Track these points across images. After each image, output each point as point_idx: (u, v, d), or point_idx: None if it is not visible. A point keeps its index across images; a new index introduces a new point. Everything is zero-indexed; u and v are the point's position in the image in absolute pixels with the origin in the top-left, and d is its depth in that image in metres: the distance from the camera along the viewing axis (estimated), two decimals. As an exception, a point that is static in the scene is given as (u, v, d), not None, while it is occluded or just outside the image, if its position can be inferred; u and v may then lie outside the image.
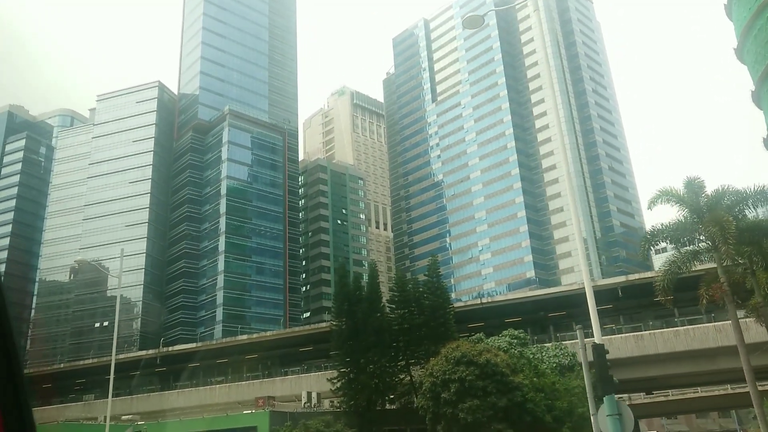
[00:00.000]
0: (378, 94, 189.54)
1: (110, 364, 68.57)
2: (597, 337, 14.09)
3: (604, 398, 13.05)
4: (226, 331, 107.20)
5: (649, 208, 25.84)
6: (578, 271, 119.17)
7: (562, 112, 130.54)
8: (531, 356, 42.29)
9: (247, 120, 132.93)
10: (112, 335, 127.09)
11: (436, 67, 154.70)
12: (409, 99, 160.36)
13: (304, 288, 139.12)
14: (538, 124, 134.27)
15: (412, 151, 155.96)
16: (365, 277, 49.94)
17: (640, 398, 65.11)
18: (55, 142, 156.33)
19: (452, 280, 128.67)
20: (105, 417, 42.49)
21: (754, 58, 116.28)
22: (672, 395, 67.86)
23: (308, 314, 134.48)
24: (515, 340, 44.34)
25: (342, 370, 43.90)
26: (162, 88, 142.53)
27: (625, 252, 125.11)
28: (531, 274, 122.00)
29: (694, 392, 69.72)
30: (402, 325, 45.03)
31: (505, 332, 45.67)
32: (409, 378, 44.48)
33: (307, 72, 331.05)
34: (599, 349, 13.42)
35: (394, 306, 46.51)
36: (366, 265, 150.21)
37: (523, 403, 35.86)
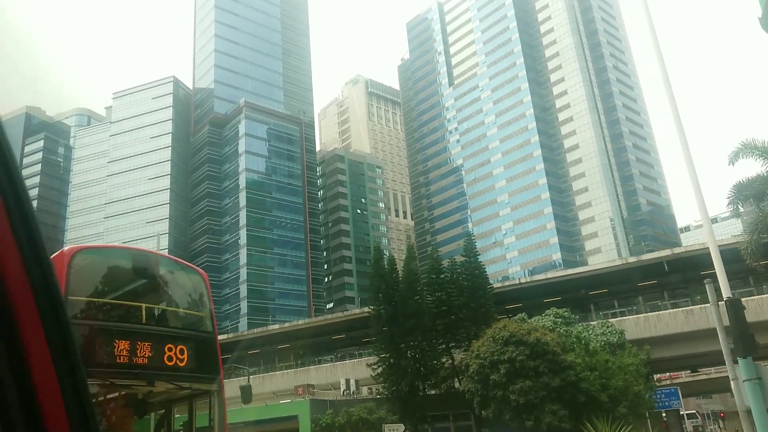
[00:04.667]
0: (393, 81, 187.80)
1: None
2: (726, 291, 12.50)
3: (740, 361, 11.50)
4: (251, 324, 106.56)
5: (731, 163, 24.04)
6: (605, 252, 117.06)
7: (583, 90, 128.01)
8: (578, 335, 40.69)
9: (263, 112, 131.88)
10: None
11: (452, 50, 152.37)
12: (425, 84, 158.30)
13: (326, 279, 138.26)
14: (559, 103, 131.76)
15: (430, 137, 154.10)
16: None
17: (681, 377, 63.49)
18: (72, 141, 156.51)
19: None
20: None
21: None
22: (714, 373, 66.05)
23: (332, 305, 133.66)
24: (560, 319, 42.78)
25: (382, 355, 42.66)
26: (177, 83, 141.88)
27: (652, 230, 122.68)
28: (557, 256, 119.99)
29: (737, 369, 67.73)
30: (440, 307, 43.63)
31: (548, 311, 44.12)
32: (450, 361, 43.13)
33: (321, 62, 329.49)
34: (736, 305, 11.84)
35: (430, 289, 45.11)
36: (387, 253, 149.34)
37: (577, 382, 34.35)
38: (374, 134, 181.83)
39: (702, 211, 14.05)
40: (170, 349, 9.49)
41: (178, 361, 9.52)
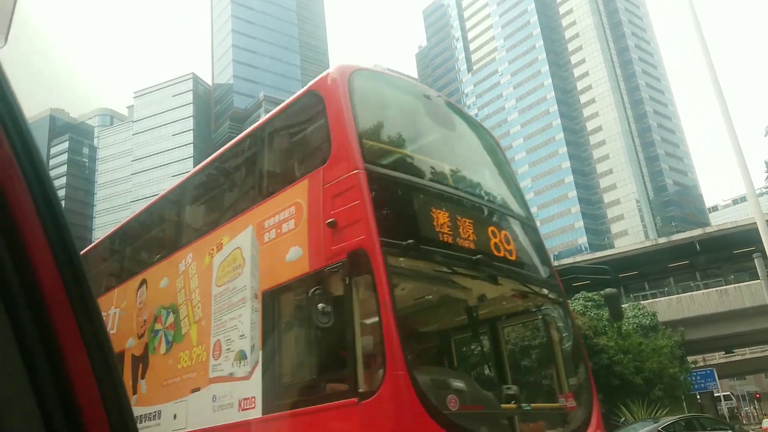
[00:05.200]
0: (412, 70, 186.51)
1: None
2: None
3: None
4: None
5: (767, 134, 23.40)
6: (632, 234, 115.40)
7: (605, 71, 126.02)
8: (607, 319, 40.15)
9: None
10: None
11: (470, 35, 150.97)
12: (444, 71, 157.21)
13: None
14: (580, 85, 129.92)
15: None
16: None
17: (714, 358, 62.46)
18: (96, 141, 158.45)
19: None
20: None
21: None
22: (749, 353, 64.91)
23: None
24: (590, 303, 42.20)
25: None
26: (196, 79, 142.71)
27: (680, 211, 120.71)
28: (583, 240, 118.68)
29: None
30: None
31: (577, 295, 43.52)
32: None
33: (338, 53, 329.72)
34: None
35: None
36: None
37: (610, 365, 33.86)
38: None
39: (747, 184, 13.63)
40: (494, 234, 6.47)
41: (507, 254, 6.49)
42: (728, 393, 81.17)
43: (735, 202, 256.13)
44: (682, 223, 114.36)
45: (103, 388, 1.01)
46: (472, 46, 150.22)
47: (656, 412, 33.16)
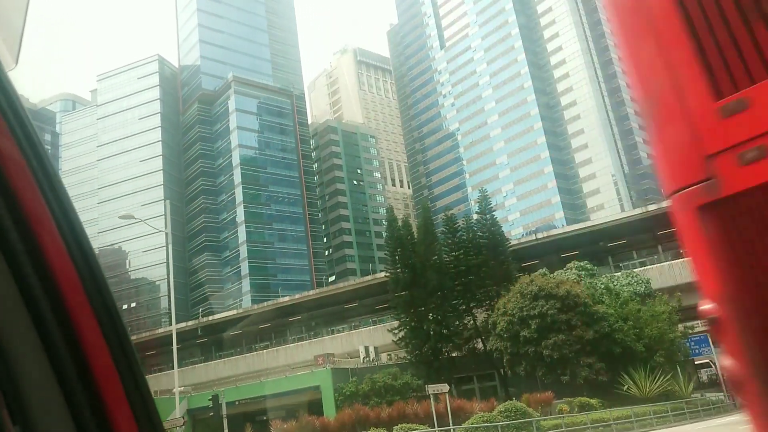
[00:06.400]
0: (383, 49, 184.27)
1: (146, 341, 66.71)
2: None
3: None
4: (254, 301, 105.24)
5: None
6: (608, 207, 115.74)
7: (578, 45, 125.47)
8: (603, 287, 39.39)
9: (252, 86, 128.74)
10: (140, 316, 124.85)
11: (441, 12, 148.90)
12: (416, 49, 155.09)
13: (326, 252, 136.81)
14: (554, 60, 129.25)
15: (424, 102, 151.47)
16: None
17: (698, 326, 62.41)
18: (59, 128, 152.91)
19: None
20: (160, 391, 40.38)
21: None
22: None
23: (333, 277, 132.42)
24: (583, 272, 41.44)
25: (403, 318, 41.30)
26: (162, 61, 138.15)
27: (654, 184, 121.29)
28: (560, 215, 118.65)
29: None
30: (458, 267, 42.15)
31: (570, 265, 42.78)
32: (472, 322, 41.83)
33: (308, 34, 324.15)
34: None
35: (447, 249, 43.59)
36: (385, 223, 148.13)
37: (611, 333, 33.15)
38: (366, 104, 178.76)
39: None
40: None
41: None
42: (707, 360, 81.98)
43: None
44: (657, 196, 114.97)
45: (125, 382, 1.02)
46: (444, 23, 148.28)
47: (659, 379, 32.49)
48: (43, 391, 0.97)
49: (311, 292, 65.52)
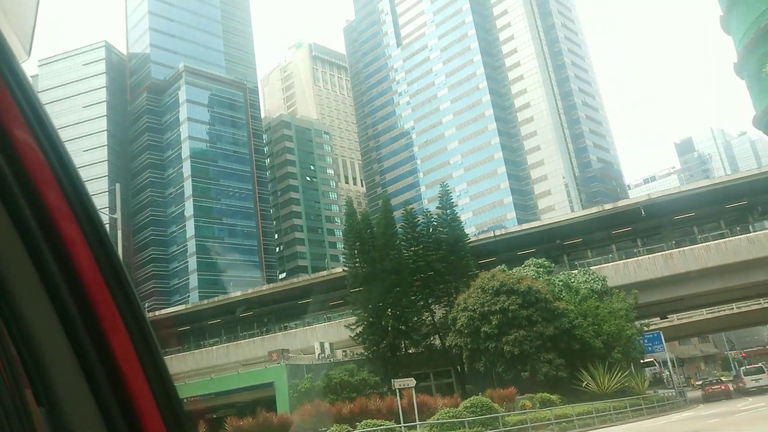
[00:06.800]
0: (339, 45, 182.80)
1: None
2: None
3: None
4: (202, 297, 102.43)
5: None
6: (558, 209, 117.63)
7: (533, 48, 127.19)
8: (561, 283, 39.44)
9: (204, 77, 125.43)
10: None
11: (399, 9, 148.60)
12: (373, 45, 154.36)
13: (277, 248, 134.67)
14: (509, 62, 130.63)
15: (379, 100, 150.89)
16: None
17: (654, 323, 63.86)
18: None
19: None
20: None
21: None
22: (677, 320, 66.95)
23: (284, 274, 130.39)
24: (541, 269, 41.42)
25: (361, 314, 40.41)
26: (109, 48, 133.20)
27: (603, 186, 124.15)
28: (512, 215, 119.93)
29: (699, 314, 69.08)
30: (418, 263, 41.53)
31: (528, 262, 42.74)
32: (431, 318, 41.30)
33: (263, 27, 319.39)
34: None
35: (406, 243, 42.93)
36: (339, 221, 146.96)
37: (571, 329, 33.12)
38: (320, 100, 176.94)
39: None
40: None
41: None
42: (651, 360, 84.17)
43: (645, 181, 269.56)
44: (606, 198, 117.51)
45: (153, 385, 1.04)
46: (401, 21, 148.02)
47: (616, 375, 32.63)
48: (66, 373, 0.99)
49: (264, 287, 63.91)
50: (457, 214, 44.32)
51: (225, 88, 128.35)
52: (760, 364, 47.63)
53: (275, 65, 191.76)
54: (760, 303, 66.33)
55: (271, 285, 68.34)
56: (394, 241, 41.66)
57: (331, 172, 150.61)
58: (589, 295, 37.52)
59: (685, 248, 43.72)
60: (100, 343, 1.01)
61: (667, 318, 59.91)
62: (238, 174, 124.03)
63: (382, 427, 20.88)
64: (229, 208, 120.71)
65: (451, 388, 41.44)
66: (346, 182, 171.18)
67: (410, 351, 41.61)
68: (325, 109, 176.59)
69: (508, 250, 50.56)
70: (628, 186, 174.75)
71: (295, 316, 58.42)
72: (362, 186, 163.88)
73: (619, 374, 32.62)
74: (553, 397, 29.33)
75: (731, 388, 46.63)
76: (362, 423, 21.34)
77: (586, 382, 31.94)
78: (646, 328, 39.84)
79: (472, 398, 23.59)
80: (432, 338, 41.68)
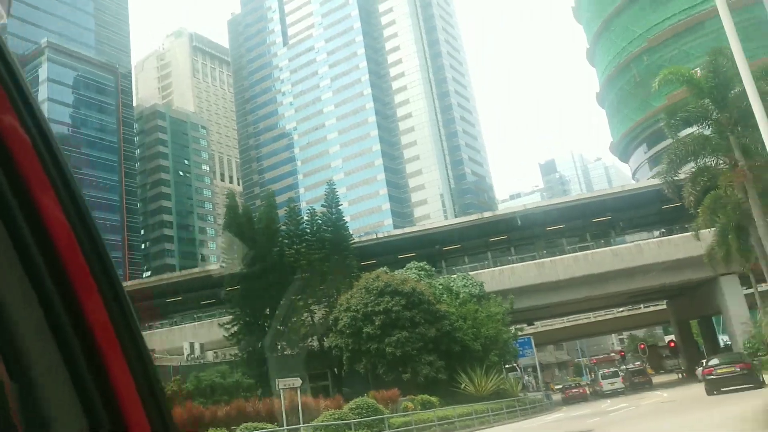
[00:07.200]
0: (223, 39, 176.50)
1: None
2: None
3: None
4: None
5: (656, 86, 23.69)
6: (433, 218, 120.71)
7: (417, 60, 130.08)
8: (441, 287, 39.85)
9: (70, 55, 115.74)
10: None
11: (287, 8, 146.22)
12: (258, 42, 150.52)
13: (143, 245, 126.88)
14: (394, 71, 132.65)
15: (262, 98, 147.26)
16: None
17: (519, 328, 66.70)
18: None
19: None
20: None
21: (590, 17, 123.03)
22: (541, 326, 70.58)
23: (150, 273, 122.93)
24: (422, 272, 41.64)
25: (237, 313, 38.34)
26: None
27: (476, 199, 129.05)
28: (389, 221, 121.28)
29: (560, 323, 73.30)
30: (300, 261, 40.21)
31: (409, 265, 42.82)
32: (311, 318, 40.10)
33: (141, 10, 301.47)
34: None
35: (289, 241, 41.48)
36: (212, 219, 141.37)
37: (452, 332, 33.37)
38: (199, 92, 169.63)
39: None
40: None
41: None
42: (512, 366, 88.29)
43: (512, 197, 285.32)
44: (478, 210, 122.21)
45: (139, 382, 1.02)
46: (288, 20, 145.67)
47: (492, 378, 33.27)
48: (41, 349, 0.95)
49: (126, 284, 59.32)
50: (342, 214, 43.54)
51: (93, 69, 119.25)
52: (615, 369, 51.15)
53: (152, 51, 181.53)
54: (614, 313, 71.55)
55: (136, 281, 63.69)
56: (276, 237, 40.09)
57: (206, 168, 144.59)
58: (469, 299, 38.14)
59: (555, 258, 45.99)
60: (77, 316, 0.98)
61: (534, 324, 62.89)
62: (103, 163, 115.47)
63: (264, 430, 19.47)
64: (92, 199, 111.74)
65: (327, 390, 40.44)
66: (222, 180, 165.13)
67: (287, 352, 40.13)
68: (204, 102, 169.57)
69: (388, 253, 50.56)
70: (498, 201, 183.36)
71: (162, 315, 54.75)
72: (239, 185, 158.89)
73: (496, 377, 33.31)
74: (433, 399, 29.26)
75: (588, 392, 49.78)
76: (241, 427, 19.78)
77: (464, 384, 32.26)
78: (520, 333, 41.30)
79: (357, 399, 22.79)
80: (310, 339, 40.50)
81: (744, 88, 22.79)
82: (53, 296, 0.95)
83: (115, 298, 1.04)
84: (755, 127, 22.90)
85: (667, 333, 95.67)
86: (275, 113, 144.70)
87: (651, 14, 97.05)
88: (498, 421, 28.69)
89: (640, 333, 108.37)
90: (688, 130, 24.64)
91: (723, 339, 66.58)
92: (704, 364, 44.25)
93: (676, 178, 25.77)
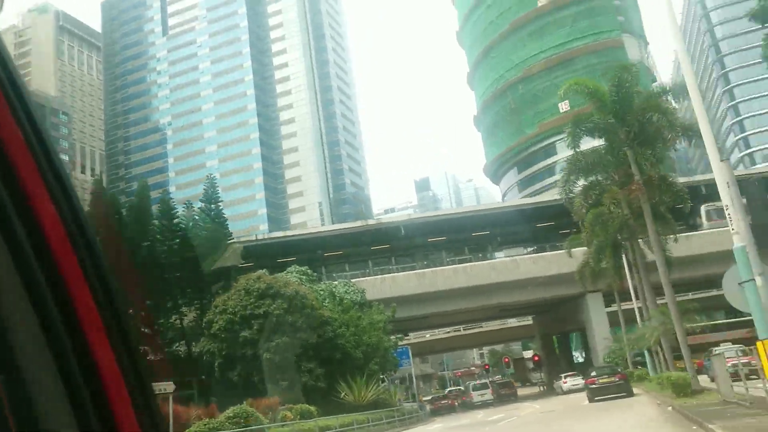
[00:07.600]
0: (95, 21, 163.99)
1: None
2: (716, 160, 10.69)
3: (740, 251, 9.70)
4: None
5: (562, 99, 23.92)
6: (310, 226, 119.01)
7: (303, 65, 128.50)
8: (324, 292, 38.56)
9: None
10: None
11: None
12: (134, 28, 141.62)
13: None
14: (279, 75, 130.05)
15: (134, 88, 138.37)
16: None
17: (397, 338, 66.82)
18: None
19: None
20: None
21: (472, 43, 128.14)
22: (414, 338, 71.11)
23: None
24: (304, 276, 40.10)
25: (97, 312, 34.52)
26: None
27: (354, 209, 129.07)
28: (264, 227, 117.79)
29: (432, 335, 74.42)
30: (172, 258, 37.26)
31: (290, 268, 41.11)
32: (179, 321, 37.16)
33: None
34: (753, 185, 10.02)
35: (161, 237, 38.34)
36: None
37: (334, 338, 32.12)
38: (63, 76, 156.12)
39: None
40: None
41: None
42: (383, 377, 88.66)
43: (386, 211, 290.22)
44: (356, 220, 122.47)
45: (130, 383, 1.01)
46: (170, 9, 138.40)
47: (374, 387, 32.42)
48: (31, 346, 0.94)
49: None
50: (222, 210, 41.06)
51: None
52: (485, 381, 52.31)
53: (9, 25, 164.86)
54: (482, 327, 73.77)
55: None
56: (147, 232, 36.83)
57: (65, 158, 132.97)
58: (351, 305, 37.14)
59: (436, 269, 46.36)
60: (68, 314, 0.97)
61: (409, 336, 63.11)
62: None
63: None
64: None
65: (193, 399, 37.55)
66: (83, 172, 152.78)
67: (150, 357, 36.78)
68: (68, 87, 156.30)
69: (267, 256, 48.44)
70: (374, 214, 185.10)
71: None
72: (102, 178, 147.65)
73: (375, 386, 32.50)
74: (312, 408, 27.81)
75: (456, 403, 50.49)
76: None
77: (344, 393, 31.11)
78: (400, 342, 40.97)
79: (235, 408, 20.87)
80: (178, 344, 37.53)
81: (647, 105, 24.10)
82: (44, 293, 0.95)
83: (106, 296, 1.03)
84: (650, 143, 24.37)
85: (525, 348, 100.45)
86: (149, 105, 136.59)
87: (528, 45, 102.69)
88: (378, 431, 27.80)
89: (499, 348, 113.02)
90: (588, 145, 25.52)
91: (576, 355, 70.79)
92: (561, 377, 46.84)
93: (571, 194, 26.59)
